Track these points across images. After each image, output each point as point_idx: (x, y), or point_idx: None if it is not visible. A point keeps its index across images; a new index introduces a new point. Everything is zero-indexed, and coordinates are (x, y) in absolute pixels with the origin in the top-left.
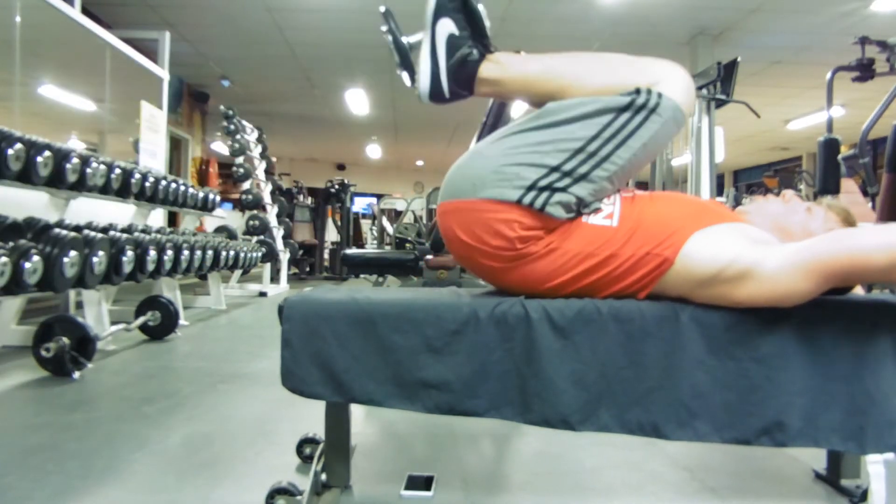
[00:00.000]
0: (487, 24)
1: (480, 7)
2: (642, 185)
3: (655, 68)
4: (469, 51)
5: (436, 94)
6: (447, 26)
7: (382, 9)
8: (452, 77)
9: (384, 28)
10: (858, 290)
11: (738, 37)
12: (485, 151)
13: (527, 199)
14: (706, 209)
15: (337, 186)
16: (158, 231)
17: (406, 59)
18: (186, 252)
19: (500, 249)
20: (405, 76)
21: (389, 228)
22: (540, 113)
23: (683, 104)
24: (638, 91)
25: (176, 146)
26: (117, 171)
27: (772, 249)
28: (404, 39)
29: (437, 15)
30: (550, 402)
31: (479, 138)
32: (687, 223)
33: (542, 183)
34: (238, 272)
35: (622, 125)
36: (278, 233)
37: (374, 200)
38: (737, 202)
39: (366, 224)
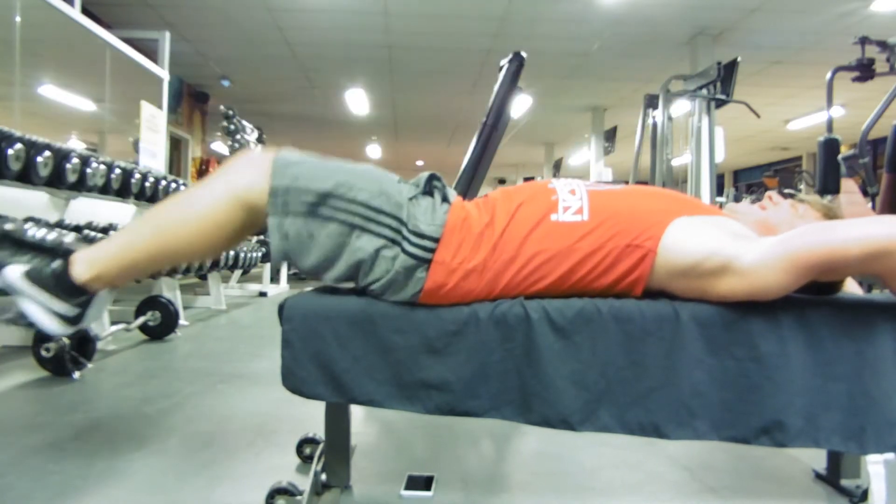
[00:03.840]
0: (46, 236)
1: (26, 227)
2: (642, 185)
3: (227, 180)
4: (52, 268)
5: (67, 319)
6: (15, 270)
7: None
8: (63, 297)
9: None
10: (857, 290)
11: (738, 37)
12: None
13: (413, 251)
14: (683, 201)
15: None
16: None
17: (25, 321)
18: None
19: (469, 283)
20: (38, 333)
21: None
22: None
23: (267, 174)
24: (270, 205)
25: (176, 146)
26: (117, 171)
27: (750, 243)
28: (7, 315)
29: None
30: (551, 402)
31: (479, 138)
32: (665, 214)
33: (404, 244)
34: (238, 272)
35: (324, 211)
36: None
37: None
38: (737, 202)
39: None
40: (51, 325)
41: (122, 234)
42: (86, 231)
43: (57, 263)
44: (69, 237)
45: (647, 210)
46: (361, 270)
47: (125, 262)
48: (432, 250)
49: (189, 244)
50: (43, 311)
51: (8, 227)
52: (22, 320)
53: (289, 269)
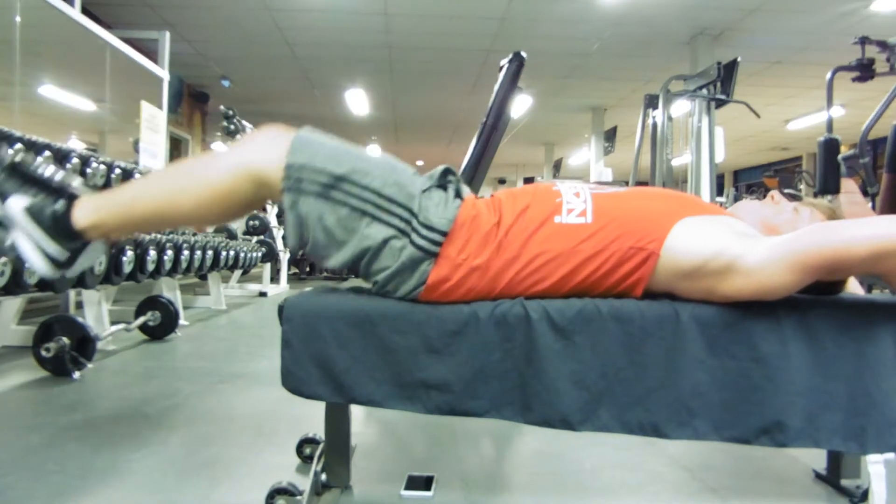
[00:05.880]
0: (55, 175)
1: (37, 162)
2: (642, 185)
3: (242, 153)
4: (53, 209)
5: (55, 261)
6: (18, 202)
7: None
8: (57, 239)
9: None
10: (858, 290)
11: (738, 37)
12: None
13: (424, 246)
14: (687, 201)
15: None
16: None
17: (15, 255)
18: (186, 252)
19: (475, 282)
20: (26, 270)
21: None
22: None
23: (286, 150)
24: (286, 179)
25: (176, 146)
26: (117, 171)
27: (755, 242)
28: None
29: (3, 197)
30: (551, 403)
31: (479, 138)
32: (668, 215)
33: (414, 236)
34: (238, 272)
35: (341, 190)
36: (278, 233)
37: None
38: (737, 202)
39: None
40: (39, 264)
41: (130, 187)
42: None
43: (60, 204)
44: (76, 181)
45: (651, 212)
46: (367, 258)
47: (127, 216)
48: (440, 244)
49: (193, 209)
50: (35, 249)
51: (18, 158)
52: (11, 252)
53: (288, 269)
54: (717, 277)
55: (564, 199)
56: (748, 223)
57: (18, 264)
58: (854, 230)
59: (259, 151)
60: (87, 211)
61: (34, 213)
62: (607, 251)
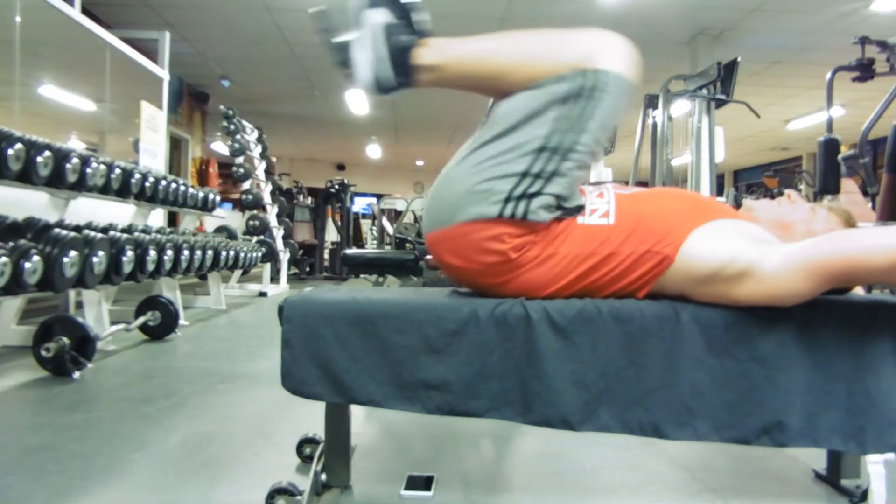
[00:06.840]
0: (420, 11)
1: None
2: (642, 185)
3: (592, 41)
4: (406, 37)
5: (379, 83)
6: (381, 15)
7: (315, 10)
8: (393, 64)
9: (319, 31)
10: (858, 290)
11: (738, 37)
12: (452, 174)
13: (507, 212)
14: (705, 205)
15: (337, 186)
16: (158, 231)
17: (344, 56)
18: (186, 252)
19: (495, 265)
20: (346, 73)
21: (389, 228)
22: (492, 122)
23: (628, 73)
24: (580, 73)
25: (176, 146)
26: (117, 171)
27: (772, 249)
28: (339, 39)
29: (371, 5)
30: (551, 403)
31: None
32: (686, 219)
33: (517, 192)
34: (238, 272)
35: (575, 113)
36: (278, 233)
37: (374, 200)
38: (737, 202)
39: (366, 224)
40: (367, 77)
41: (478, 43)
42: (85, 231)
43: (410, 37)
44: (427, 23)
45: (671, 214)
46: (542, 143)
47: (464, 71)
48: (567, 210)
49: (519, 83)
50: (371, 62)
51: None
52: (344, 53)
53: (288, 269)
54: (733, 283)
55: (588, 199)
56: (764, 222)
57: (345, 67)
58: (873, 239)
59: (609, 55)
60: (432, 53)
61: (390, 31)
62: (623, 253)
